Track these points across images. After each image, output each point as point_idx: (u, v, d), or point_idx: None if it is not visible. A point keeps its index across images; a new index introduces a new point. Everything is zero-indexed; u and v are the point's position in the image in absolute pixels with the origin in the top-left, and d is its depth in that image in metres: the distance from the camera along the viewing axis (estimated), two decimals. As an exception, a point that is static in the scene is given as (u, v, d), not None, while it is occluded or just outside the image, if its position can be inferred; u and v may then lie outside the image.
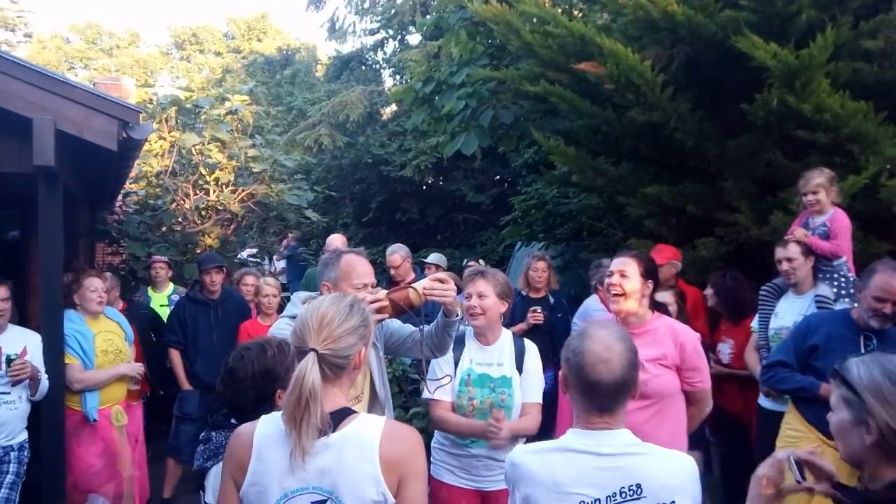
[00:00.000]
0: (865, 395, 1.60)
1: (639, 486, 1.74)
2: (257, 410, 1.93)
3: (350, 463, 1.64)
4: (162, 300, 6.07)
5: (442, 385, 3.07)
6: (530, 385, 3.11)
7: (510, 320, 5.03)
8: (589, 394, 1.79)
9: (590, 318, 4.23)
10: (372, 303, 2.56)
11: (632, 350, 1.83)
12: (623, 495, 1.74)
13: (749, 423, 4.35)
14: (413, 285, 2.71)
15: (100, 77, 17.46)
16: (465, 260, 6.93)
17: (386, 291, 2.68)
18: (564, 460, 1.78)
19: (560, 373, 1.90)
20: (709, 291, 4.74)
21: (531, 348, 3.19)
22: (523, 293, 5.60)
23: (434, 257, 6.81)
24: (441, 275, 2.77)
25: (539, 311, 5.35)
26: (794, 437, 3.37)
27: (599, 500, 1.73)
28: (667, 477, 1.77)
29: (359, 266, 2.71)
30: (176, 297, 6.00)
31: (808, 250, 4.02)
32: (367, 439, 1.66)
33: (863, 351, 3.24)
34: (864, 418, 1.59)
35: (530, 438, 3.10)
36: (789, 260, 4.02)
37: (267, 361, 2.17)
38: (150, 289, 6.17)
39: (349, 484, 1.63)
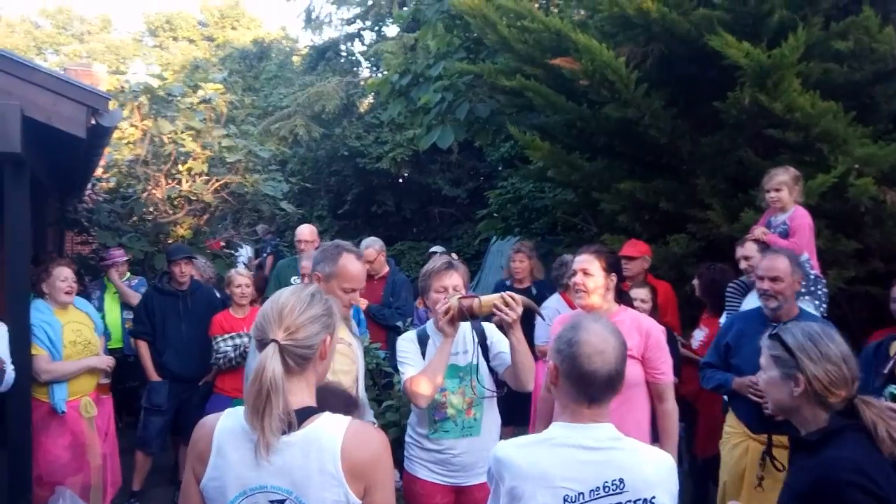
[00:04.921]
0: (797, 353, 1.94)
1: (621, 480, 1.76)
2: None
3: (311, 464, 1.58)
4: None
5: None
6: (503, 350, 2.99)
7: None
8: (581, 384, 1.80)
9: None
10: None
11: (624, 344, 1.86)
12: (606, 489, 1.75)
13: (699, 407, 4.50)
14: (480, 298, 2.78)
15: (70, 63, 17.09)
16: (431, 249, 6.87)
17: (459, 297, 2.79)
18: (551, 453, 1.79)
19: (549, 364, 1.88)
20: (695, 282, 4.80)
21: (488, 325, 3.12)
22: (507, 283, 5.64)
23: (367, 242, 6.34)
24: (511, 297, 2.80)
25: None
26: (728, 433, 3.46)
27: (583, 493, 1.74)
28: (648, 472, 1.80)
29: (354, 269, 2.81)
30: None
31: (765, 248, 4.05)
32: (330, 441, 1.60)
33: None
34: (793, 373, 1.94)
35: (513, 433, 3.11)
36: (747, 258, 4.09)
37: None
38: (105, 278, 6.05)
39: (309, 485, 1.58)
